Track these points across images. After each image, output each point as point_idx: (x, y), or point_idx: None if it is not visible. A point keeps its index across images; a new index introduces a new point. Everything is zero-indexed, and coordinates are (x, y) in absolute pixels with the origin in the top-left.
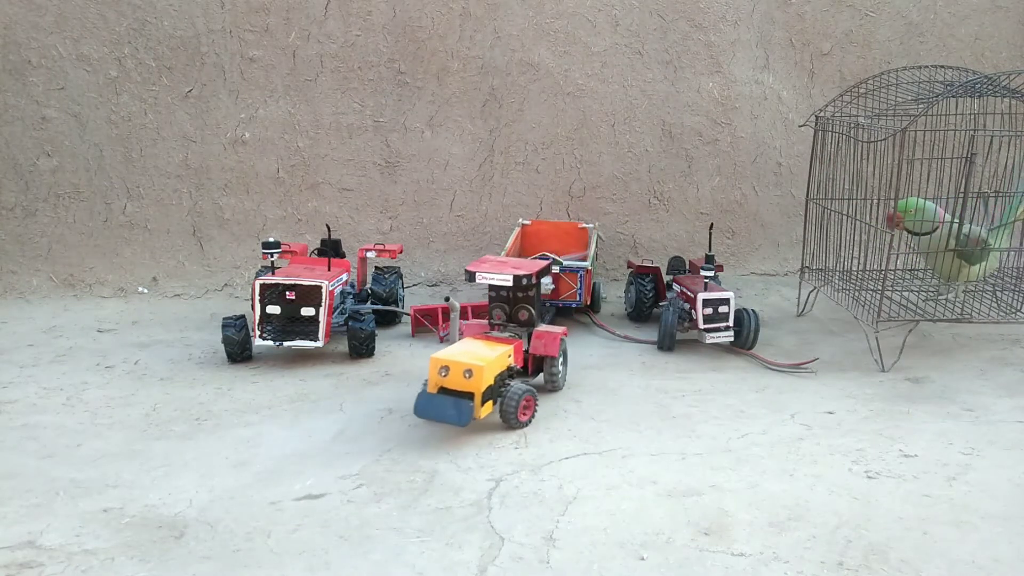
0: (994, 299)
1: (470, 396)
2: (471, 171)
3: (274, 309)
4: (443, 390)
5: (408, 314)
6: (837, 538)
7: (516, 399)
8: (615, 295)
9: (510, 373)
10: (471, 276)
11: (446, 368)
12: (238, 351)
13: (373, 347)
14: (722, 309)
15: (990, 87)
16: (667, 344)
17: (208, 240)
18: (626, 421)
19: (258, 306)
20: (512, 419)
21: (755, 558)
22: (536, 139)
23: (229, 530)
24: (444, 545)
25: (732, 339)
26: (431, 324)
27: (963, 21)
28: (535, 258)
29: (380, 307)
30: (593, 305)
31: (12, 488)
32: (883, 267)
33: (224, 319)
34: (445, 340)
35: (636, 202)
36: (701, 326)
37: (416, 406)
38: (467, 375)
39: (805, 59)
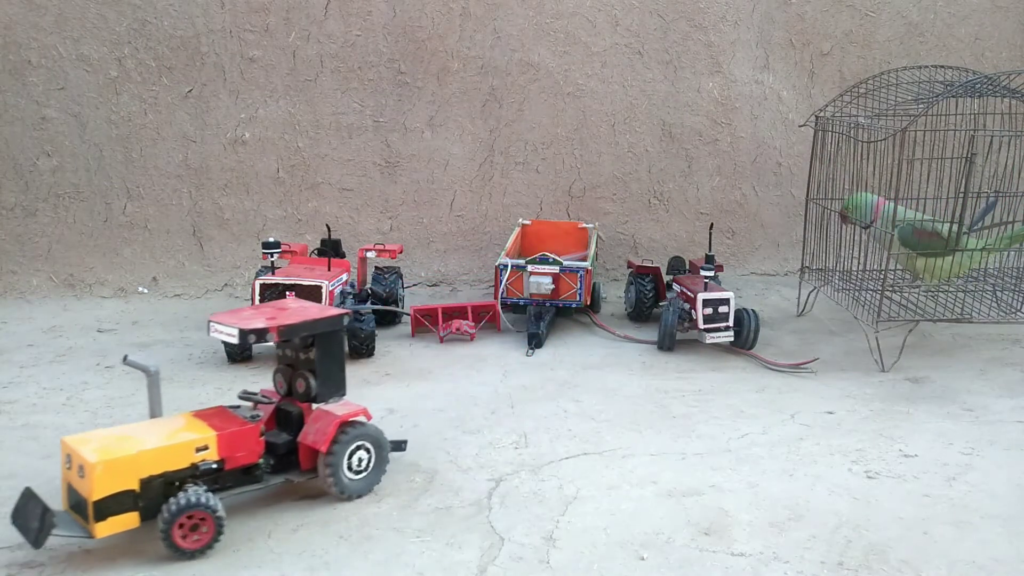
0: (994, 299)
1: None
2: (471, 171)
3: None
4: (71, 489)
5: (408, 314)
6: (837, 538)
7: (171, 516)
8: (615, 295)
9: (195, 473)
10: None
11: (69, 458)
12: (238, 351)
13: (373, 347)
14: (722, 309)
15: (990, 87)
16: (667, 344)
17: (208, 240)
18: (626, 421)
19: None
20: (169, 544)
21: (755, 558)
22: (536, 139)
23: (229, 530)
24: (444, 545)
25: (732, 339)
26: (431, 324)
27: (963, 21)
28: (535, 258)
29: (380, 307)
30: (593, 305)
31: (12, 488)
32: (883, 267)
33: None
34: (445, 340)
35: (636, 202)
36: (701, 326)
37: (15, 507)
38: (80, 473)
39: (805, 59)
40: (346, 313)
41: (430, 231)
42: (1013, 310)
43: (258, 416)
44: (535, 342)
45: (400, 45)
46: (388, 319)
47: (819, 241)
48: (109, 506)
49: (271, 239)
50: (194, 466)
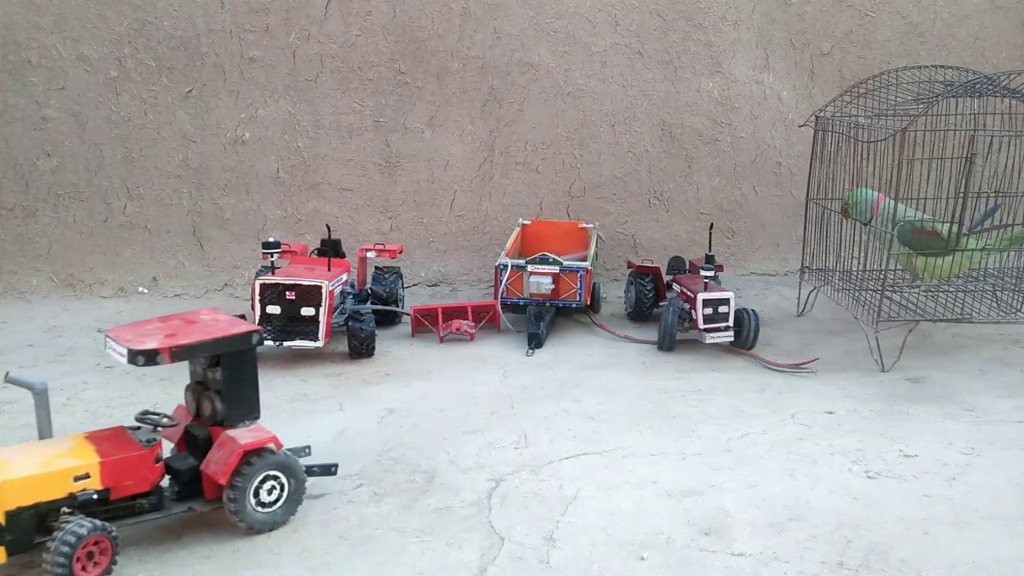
0: (994, 299)
1: None
2: (471, 171)
3: (274, 309)
4: None
5: (408, 314)
6: (837, 538)
7: (67, 549)
8: (615, 295)
9: (74, 503)
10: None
11: None
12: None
13: (373, 347)
14: (722, 309)
15: (990, 87)
16: (667, 344)
17: (208, 240)
18: (626, 421)
19: (258, 306)
20: None
21: (755, 558)
22: (536, 139)
23: (229, 530)
24: (444, 545)
25: (732, 339)
26: (431, 324)
27: (963, 21)
28: (535, 258)
29: (380, 307)
30: (593, 305)
31: None
32: (883, 267)
33: None
34: (445, 340)
35: (636, 202)
36: (701, 326)
37: None
38: None
39: (805, 59)
40: (256, 330)
41: (430, 231)
42: (1013, 310)
43: (154, 440)
44: (535, 342)
45: (400, 45)
46: (388, 319)
47: (819, 241)
48: None
49: (271, 239)
50: (72, 496)
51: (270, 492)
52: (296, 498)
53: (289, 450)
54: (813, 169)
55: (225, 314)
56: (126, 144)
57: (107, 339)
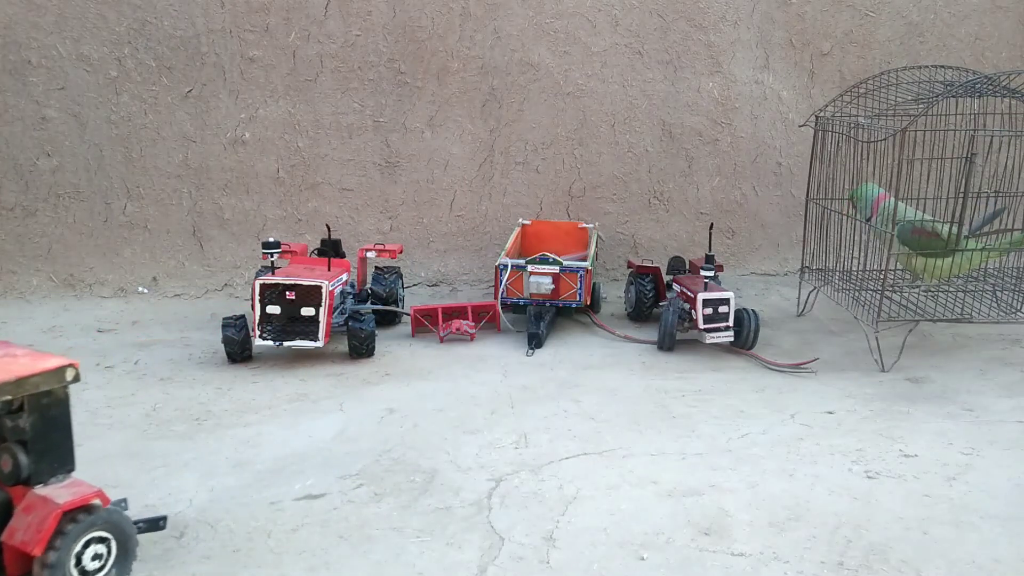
0: (994, 299)
1: None
2: (471, 171)
3: (274, 309)
4: None
5: (408, 314)
6: (837, 538)
7: None
8: (615, 295)
9: None
10: None
11: None
12: (238, 351)
13: (373, 347)
14: (722, 309)
15: (990, 87)
16: (667, 344)
17: (208, 240)
18: (626, 421)
19: (258, 306)
20: None
21: (755, 558)
22: (536, 139)
23: (229, 530)
24: (444, 545)
25: (732, 339)
26: (431, 324)
27: (963, 21)
28: (535, 258)
29: (380, 307)
30: (593, 305)
31: None
32: (883, 267)
33: (224, 319)
34: (445, 340)
35: (636, 202)
36: (701, 326)
37: None
38: None
39: (805, 59)
40: (71, 364)
41: (430, 231)
42: (1013, 310)
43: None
44: (535, 342)
45: (400, 45)
46: (388, 319)
47: (819, 241)
48: None
49: (271, 239)
50: None
51: (95, 558)
52: (127, 561)
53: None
54: (813, 169)
55: (20, 346)
56: (126, 144)
57: None
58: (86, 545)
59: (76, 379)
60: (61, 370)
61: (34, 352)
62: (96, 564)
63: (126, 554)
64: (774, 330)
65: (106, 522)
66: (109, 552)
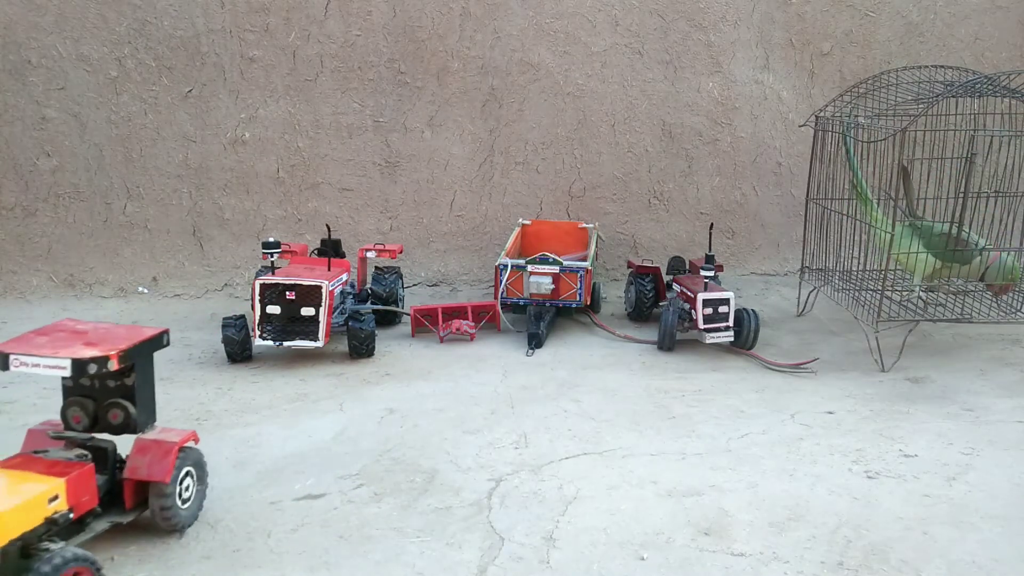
0: (994, 299)
1: None
2: (471, 171)
3: (274, 309)
4: None
5: (408, 314)
6: (837, 538)
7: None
8: (615, 295)
9: (50, 527)
10: (4, 361)
11: None
12: (238, 351)
13: (373, 347)
14: (722, 309)
15: (990, 87)
16: (667, 344)
17: (208, 240)
18: (626, 421)
19: (258, 306)
20: None
21: (755, 558)
22: (536, 139)
23: (229, 530)
24: (444, 545)
25: (732, 339)
26: (431, 324)
27: (963, 21)
28: (535, 258)
29: (380, 307)
30: (593, 305)
31: None
32: (883, 267)
33: (224, 319)
34: (445, 340)
35: (636, 202)
36: (701, 326)
37: None
38: None
39: (805, 59)
40: (165, 331)
41: (430, 231)
42: (1013, 310)
43: (86, 456)
44: (535, 342)
45: (400, 45)
46: (388, 319)
47: (819, 241)
48: None
49: (271, 239)
50: (49, 520)
51: (187, 489)
52: (203, 493)
53: None
54: (813, 169)
55: (83, 321)
56: (126, 144)
57: (9, 356)
58: (183, 478)
59: (168, 343)
60: (160, 336)
61: (120, 326)
62: (188, 493)
63: (204, 486)
64: (774, 330)
65: (195, 460)
66: (193, 484)
